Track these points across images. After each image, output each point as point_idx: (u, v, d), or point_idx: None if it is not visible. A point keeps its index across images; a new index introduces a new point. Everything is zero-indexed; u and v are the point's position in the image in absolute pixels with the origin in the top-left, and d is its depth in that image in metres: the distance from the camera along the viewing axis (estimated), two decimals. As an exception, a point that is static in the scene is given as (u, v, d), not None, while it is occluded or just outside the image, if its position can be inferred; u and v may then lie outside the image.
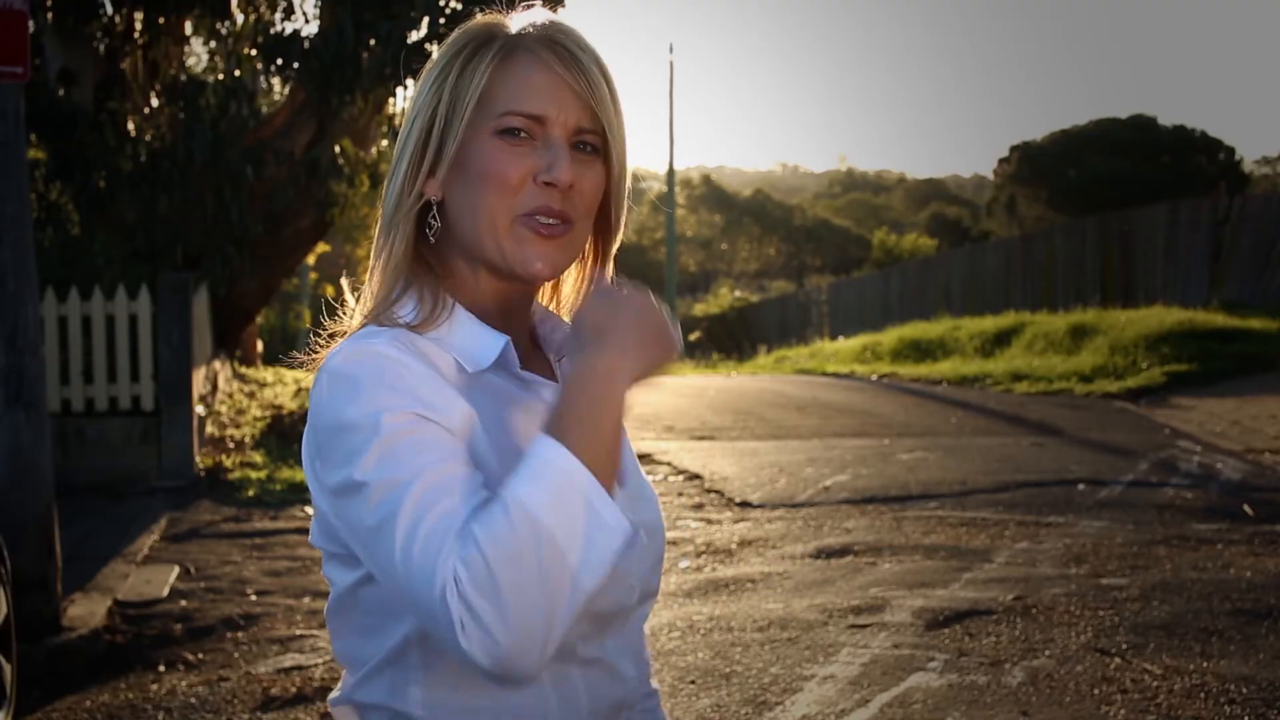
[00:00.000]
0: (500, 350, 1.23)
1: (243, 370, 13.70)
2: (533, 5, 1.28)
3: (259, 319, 17.85)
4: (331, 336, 1.30)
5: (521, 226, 1.20)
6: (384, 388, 1.12)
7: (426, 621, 1.08)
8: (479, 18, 1.27)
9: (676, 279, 37.17)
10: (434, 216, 1.25)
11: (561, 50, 1.21)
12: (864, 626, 5.06)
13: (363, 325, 1.23)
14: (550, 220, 1.21)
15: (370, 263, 1.27)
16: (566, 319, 1.38)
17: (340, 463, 1.13)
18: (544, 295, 1.39)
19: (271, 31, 11.41)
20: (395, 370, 1.13)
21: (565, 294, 1.40)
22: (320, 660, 4.93)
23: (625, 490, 1.28)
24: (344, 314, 1.31)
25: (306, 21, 12.12)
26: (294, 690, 4.55)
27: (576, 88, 1.21)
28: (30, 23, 5.33)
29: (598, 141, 1.23)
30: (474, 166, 1.20)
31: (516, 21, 1.25)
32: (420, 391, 1.13)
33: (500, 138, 1.19)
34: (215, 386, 11.03)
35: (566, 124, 1.21)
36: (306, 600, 5.89)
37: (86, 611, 5.51)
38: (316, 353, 1.28)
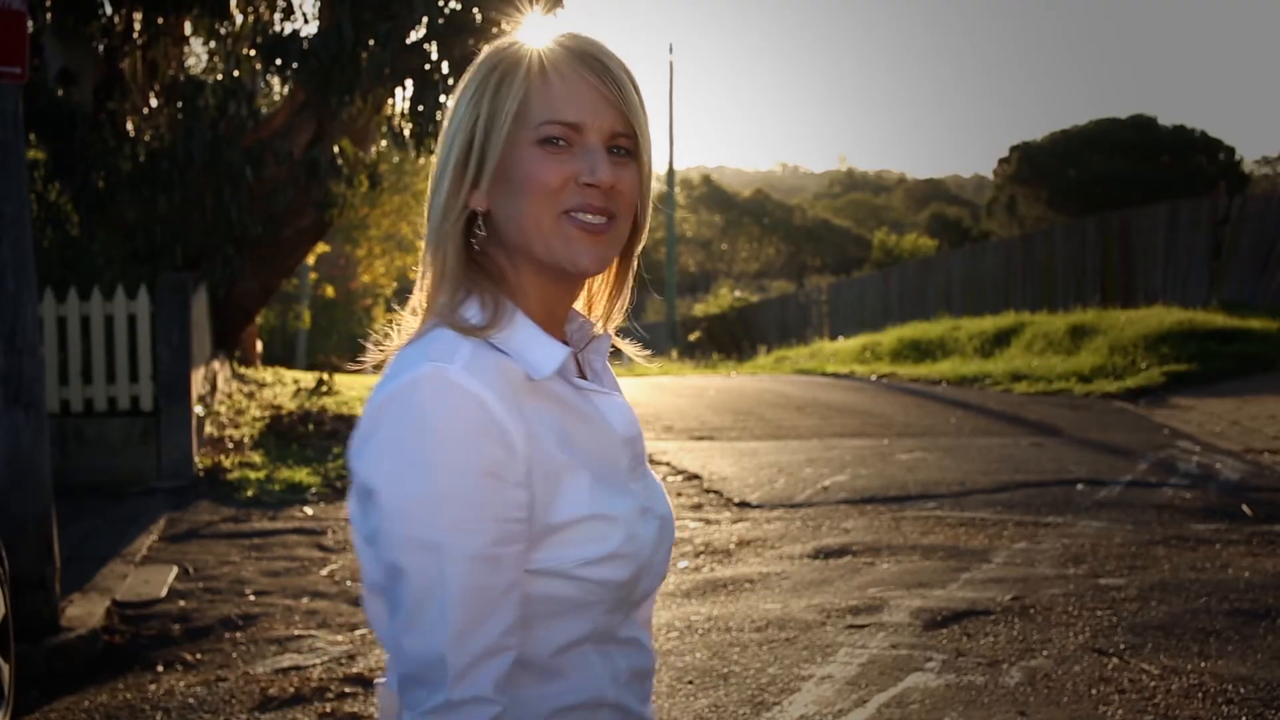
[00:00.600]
0: (562, 359, 1.30)
1: (242, 370, 13.69)
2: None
3: (259, 319, 17.85)
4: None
5: (567, 224, 1.27)
6: (458, 443, 1.19)
7: (403, 668, 1.21)
8: (506, 36, 1.33)
9: (676, 279, 37.19)
10: (479, 226, 1.31)
11: (592, 61, 1.28)
12: (862, 627, 5.06)
13: (432, 326, 1.29)
14: (594, 217, 1.28)
15: (420, 273, 1.34)
16: (594, 316, 1.46)
17: (381, 475, 1.21)
18: None
19: (270, 32, 11.41)
20: (476, 421, 1.20)
21: (595, 290, 1.47)
22: (318, 660, 4.93)
23: (644, 483, 1.39)
24: (398, 325, 1.36)
25: (306, 22, 12.16)
26: (292, 690, 4.55)
27: (609, 95, 1.28)
28: (30, 23, 5.33)
29: (630, 145, 1.31)
30: (517, 175, 1.27)
31: (543, 37, 1.31)
32: (492, 450, 1.20)
33: (540, 146, 1.26)
34: (214, 387, 11.03)
35: (602, 130, 1.28)
36: (305, 601, 5.89)
37: (85, 612, 5.51)
38: (381, 351, 1.34)
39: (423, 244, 1.34)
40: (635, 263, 1.44)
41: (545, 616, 1.26)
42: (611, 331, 1.46)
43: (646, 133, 1.31)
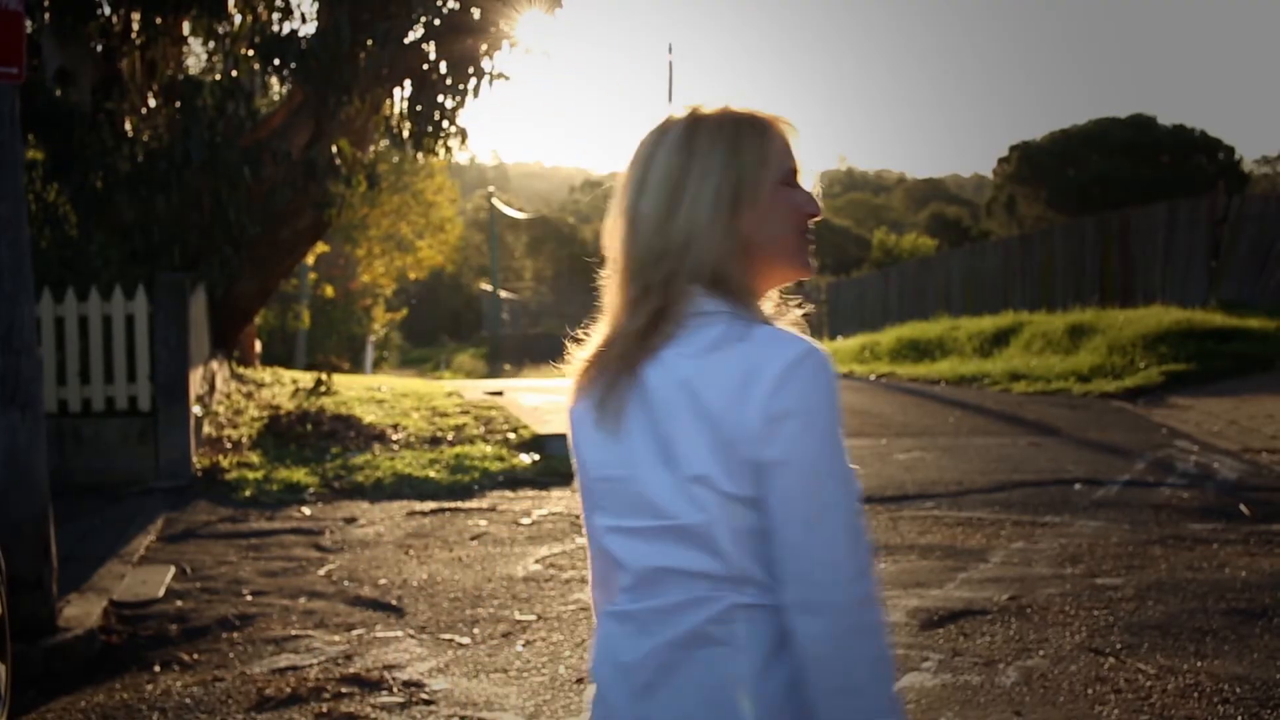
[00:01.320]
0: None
1: (241, 370, 13.69)
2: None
3: (257, 319, 17.83)
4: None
5: (802, 240, 1.74)
6: (838, 402, 1.63)
7: (818, 574, 1.57)
8: (741, 109, 1.72)
9: (676, 279, 37.07)
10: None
11: (787, 124, 1.74)
12: (859, 626, 5.05)
13: (749, 323, 1.65)
14: (811, 235, 1.75)
15: (659, 288, 1.65)
16: None
17: (802, 431, 1.59)
18: None
19: (269, 32, 11.40)
20: (838, 387, 1.63)
21: None
22: (315, 661, 4.93)
23: None
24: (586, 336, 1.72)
25: (304, 22, 12.10)
26: (289, 690, 4.55)
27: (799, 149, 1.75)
28: (28, 23, 5.33)
29: None
30: (777, 207, 1.69)
31: (758, 111, 1.73)
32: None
33: (785, 186, 1.70)
34: (213, 387, 11.03)
35: (801, 173, 1.73)
36: (302, 601, 5.89)
37: (82, 612, 5.51)
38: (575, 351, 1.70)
39: (640, 265, 1.64)
40: None
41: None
42: None
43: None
